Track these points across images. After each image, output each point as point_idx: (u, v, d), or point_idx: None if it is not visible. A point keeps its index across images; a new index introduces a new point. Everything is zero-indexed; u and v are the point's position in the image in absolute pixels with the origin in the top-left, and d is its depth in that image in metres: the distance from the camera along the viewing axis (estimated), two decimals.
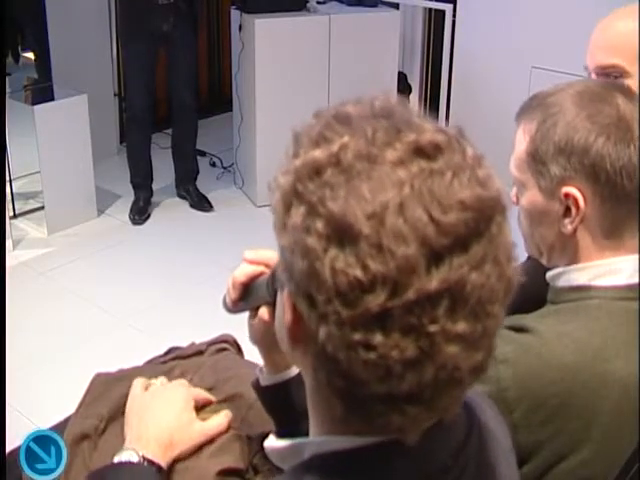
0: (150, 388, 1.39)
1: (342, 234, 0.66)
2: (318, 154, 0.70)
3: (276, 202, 0.73)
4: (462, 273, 0.66)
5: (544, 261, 1.31)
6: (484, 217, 0.68)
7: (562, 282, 1.28)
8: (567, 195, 1.21)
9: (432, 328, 0.66)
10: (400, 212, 0.65)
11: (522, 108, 1.28)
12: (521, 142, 1.26)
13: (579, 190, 1.20)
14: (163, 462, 1.24)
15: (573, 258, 1.26)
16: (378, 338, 0.66)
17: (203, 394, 1.41)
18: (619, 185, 1.18)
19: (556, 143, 1.20)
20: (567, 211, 1.22)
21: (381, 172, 0.67)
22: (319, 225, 0.67)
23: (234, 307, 1.08)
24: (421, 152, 0.69)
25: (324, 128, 0.72)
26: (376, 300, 0.65)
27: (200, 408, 1.37)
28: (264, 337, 1.04)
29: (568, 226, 1.23)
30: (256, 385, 1.19)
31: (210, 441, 1.33)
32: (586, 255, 1.24)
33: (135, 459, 1.22)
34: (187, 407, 1.33)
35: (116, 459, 1.22)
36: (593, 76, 1.66)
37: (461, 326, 0.67)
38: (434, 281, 0.65)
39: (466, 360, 0.69)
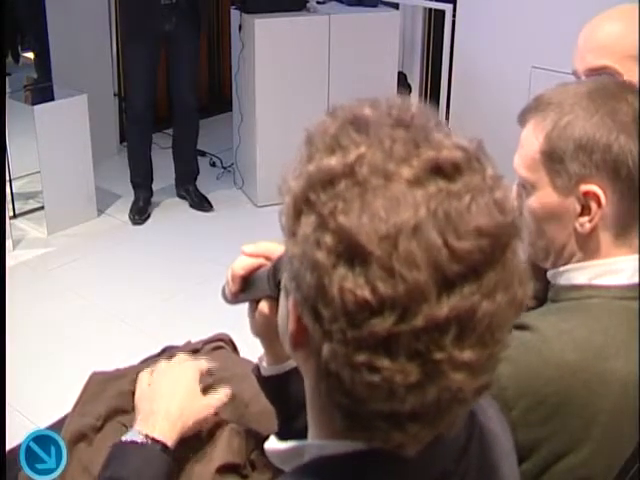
0: (156, 369, 1.40)
1: (352, 252, 0.64)
2: (333, 163, 0.68)
3: (287, 207, 0.71)
4: (473, 301, 0.64)
5: (548, 264, 1.30)
6: (500, 244, 0.66)
7: (563, 281, 1.27)
8: (586, 193, 1.20)
9: (439, 356, 0.65)
10: (414, 235, 0.63)
11: (528, 108, 1.27)
12: (532, 141, 1.24)
13: (600, 187, 1.19)
14: (170, 439, 1.26)
15: (589, 256, 1.25)
16: (383, 361, 0.65)
17: (205, 365, 1.43)
18: (638, 181, 1.18)
19: (576, 140, 1.19)
20: (583, 210, 1.21)
21: (397, 190, 0.65)
22: (328, 239, 0.65)
23: (233, 299, 1.08)
24: (439, 171, 0.66)
25: (340, 133, 0.70)
26: (383, 324, 0.64)
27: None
28: (265, 330, 1.04)
29: (586, 225, 1.21)
30: (257, 374, 1.18)
31: (209, 439, 1.33)
32: (604, 253, 1.24)
33: (139, 439, 1.23)
34: (194, 380, 1.36)
35: (121, 439, 1.24)
36: (583, 79, 1.66)
37: (467, 354, 0.65)
38: (444, 309, 0.64)
39: (471, 385, 0.68)
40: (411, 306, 0.63)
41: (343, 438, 0.76)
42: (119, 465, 1.21)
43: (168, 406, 1.29)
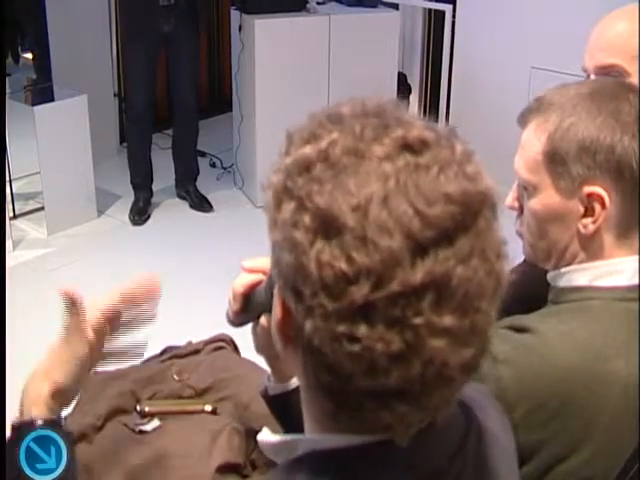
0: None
1: (327, 227, 0.66)
2: (308, 150, 0.71)
3: (268, 200, 0.73)
4: (448, 266, 0.66)
5: (549, 266, 1.29)
6: (471, 211, 0.68)
7: (563, 282, 1.27)
8: (590, 195, 1.19)
9: (417, 320, 0.66)
10: (384, 205, 0.66)
11: (529, 109, 1.26)
12: (533, 143, 1.23)
13: (604, 189, 1.19)
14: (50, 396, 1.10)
15: (592, 257, 1.24)
16: (362, 330, 0.66)
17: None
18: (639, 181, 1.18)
19: (580, 142, 1.18)
20: (587, 211, 1.21)
21: (368, 167, 0.68)
22: (306, 219, 0.67)
23: (236, 319, 1.07)
24: (408, 147, 0.69)
25: (316, 127, 0.73)
26: (360, 292, 0.65)
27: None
28: (267, 346, 1.03)
29: (590, 226, 1.21)
30: (264, 394, 1.18)
31: (214, 439, 1.33)
32: (607, 254, 1.23)
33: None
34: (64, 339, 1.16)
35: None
36: (592, 77, 1.66)
37: (447, 320, 0.67)
38: (419, 274, 0.65)
39: (454, 356, 0.68)
40: (386, 273, 0.65)
41: (335, 429, 0.77)
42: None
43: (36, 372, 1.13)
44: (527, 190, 1.26)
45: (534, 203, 1.25)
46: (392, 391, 0.69)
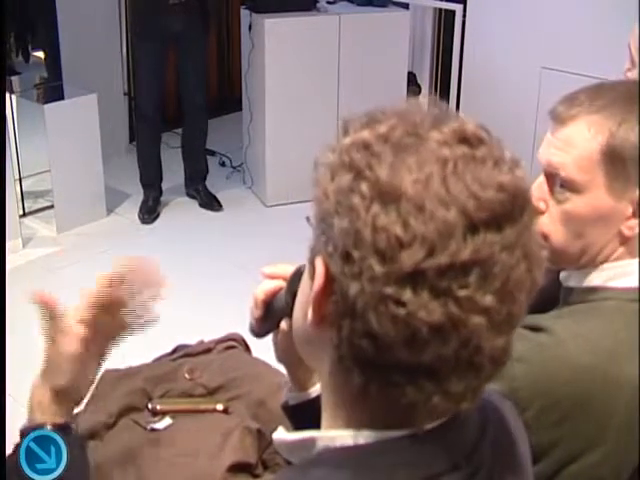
0: None
1: (386, 194, 0.68)
2: (366, 134, 0.73)
3: (320, 176, 0.74)
4: (494, 250, 0.68)
5: (575, 267, 1.26)
6: (519, 203, 0.70)
7: (578, 282, 1.26)
8: None
9: (461, 293, 0.68)
10: (443, 183, 0.68)
11: (574, 105, 1.21)
12: (588, 141, 1.19)
13: None
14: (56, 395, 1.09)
15: (632, 258, 1.23)
16: (408, 295, 0.67)
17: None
18: None
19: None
20: (632, 212, 1.19)
21: (428, 148, 0.70)
22: (364, 187, 0.69)
23: (259, 328, 1.06)
24: (465, 139, 0.71)
25: (375, 114, 0.75)
26: (412, 258, 0.67)
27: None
28: (288, 353, 1.03)
29: (636, 228, 1.19)
30: (285, 406, 1.17)
31: (225, 438, 1.32)
32: None
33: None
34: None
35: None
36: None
37: (488, 299, 0.68)
38: (468, 249, 0.67)
39: (488, 341, 0.70)
40: (439, 242, 0.67)
41: (354, 424, 0.77)
42: None
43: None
44: (568, 189, 1.22)
45: (577, 203, 1.21)
46: (424, 367, 0.70)
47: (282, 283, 1.00)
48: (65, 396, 1.10)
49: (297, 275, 0.90)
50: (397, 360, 0.71)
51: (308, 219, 0.77)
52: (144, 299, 1.16)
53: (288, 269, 0.99)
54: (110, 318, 1.11)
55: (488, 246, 0.68)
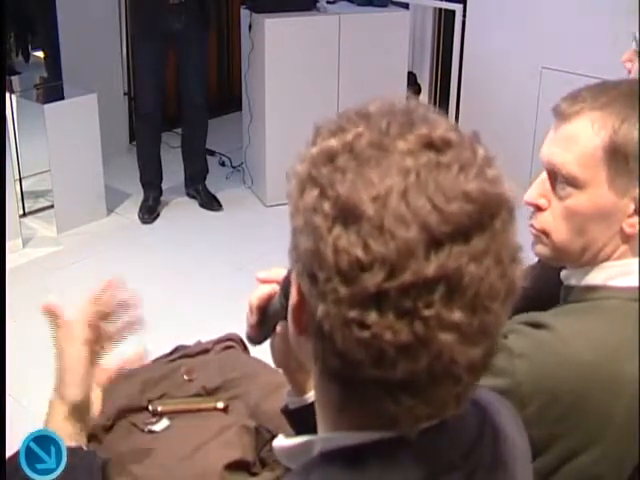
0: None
1: (346, 214, 0.68)
2: (333, 142, 0.72)
3: (292, 188, 0.74)
4: (461, 263, 0.67)
5: (576, 265, 1.26)
6: (488, 211, 0.69)
7: (578, 281, 1.26)
8: None
9: (426, 312, 0.67)
10: (403, 197, 0.67)
11: (577, 101, 1.21)
12: (590, 138, 1.19)
13: None
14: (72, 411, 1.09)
15: (633, 256, 1.23)
16: (372, 317, 0.67)
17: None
18: None
19: None
20: (635, 210, 1.19)
21: (390, 160, 0.69)
22: (326, 206, 0.69)
23: (256, 334, 1.06)
24: (431, 145, 0.70)
25: (343, 121, 0.75)
26: (373, 279, 0.66)
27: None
28: (285, 357, 1.03)
29: (637, 225, 1.19)
30: (285, 410, 1.17)
31: (223, 436, 1.33)
32: None
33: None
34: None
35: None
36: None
37: (457, 315, 0.67)
38: (432, 266, 0.66)
39: (462, 354, 0.69)
40: (400, 262, 0.66)
41: (345, 427, 0.78)
42: None
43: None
44: (570, 186, 1.21)
45: (579, 199, 1.21)
46: (398, 382, 0.70)
47: (276, 287, 0.99)
48: (80, 408, 1.11)
49: (289, 277, 0.89)
50: (370, 377, 0.70)
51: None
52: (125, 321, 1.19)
53: (282, 273, 0.99)
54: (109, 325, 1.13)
55: (454, 259, 0.67)
